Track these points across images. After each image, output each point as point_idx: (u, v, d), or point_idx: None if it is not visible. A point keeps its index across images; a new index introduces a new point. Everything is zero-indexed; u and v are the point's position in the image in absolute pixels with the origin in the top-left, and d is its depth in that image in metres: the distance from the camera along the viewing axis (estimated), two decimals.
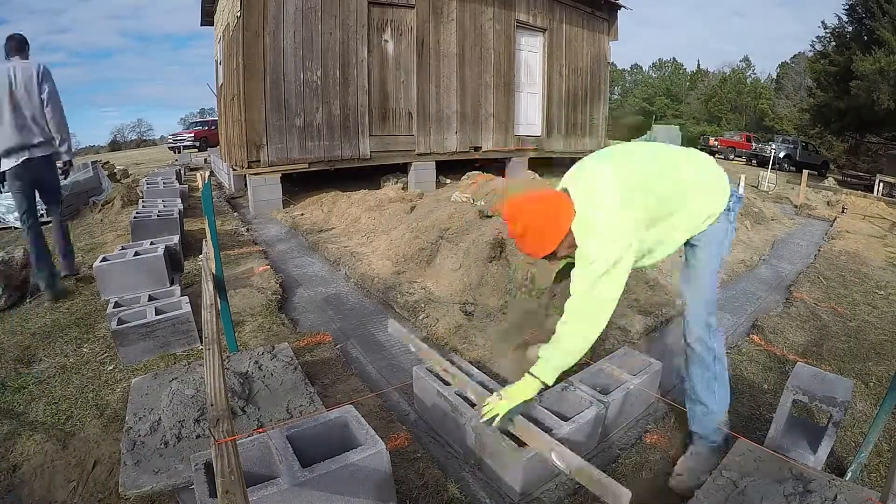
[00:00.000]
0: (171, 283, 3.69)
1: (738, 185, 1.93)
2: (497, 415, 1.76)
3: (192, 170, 13.04)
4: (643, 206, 1.70)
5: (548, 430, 1.87)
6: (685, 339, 1.96)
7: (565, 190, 1.80)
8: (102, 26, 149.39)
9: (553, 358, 1.76)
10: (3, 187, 6.33)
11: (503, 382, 2.48)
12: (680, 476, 1.91)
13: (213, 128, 20.26)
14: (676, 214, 1.79)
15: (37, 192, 3.86)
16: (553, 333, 1.79)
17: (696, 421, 1.99)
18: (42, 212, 6.60)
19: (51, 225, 3.86)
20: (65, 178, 6.10)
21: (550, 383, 1.79)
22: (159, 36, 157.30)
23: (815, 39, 21.41)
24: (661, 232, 1.80)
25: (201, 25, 13.01)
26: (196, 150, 19.54)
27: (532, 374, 1.77)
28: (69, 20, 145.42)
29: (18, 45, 3.60)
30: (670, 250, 1.88)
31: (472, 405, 2.03)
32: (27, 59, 3.63)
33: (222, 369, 1.17)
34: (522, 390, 1.78)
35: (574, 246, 1.75)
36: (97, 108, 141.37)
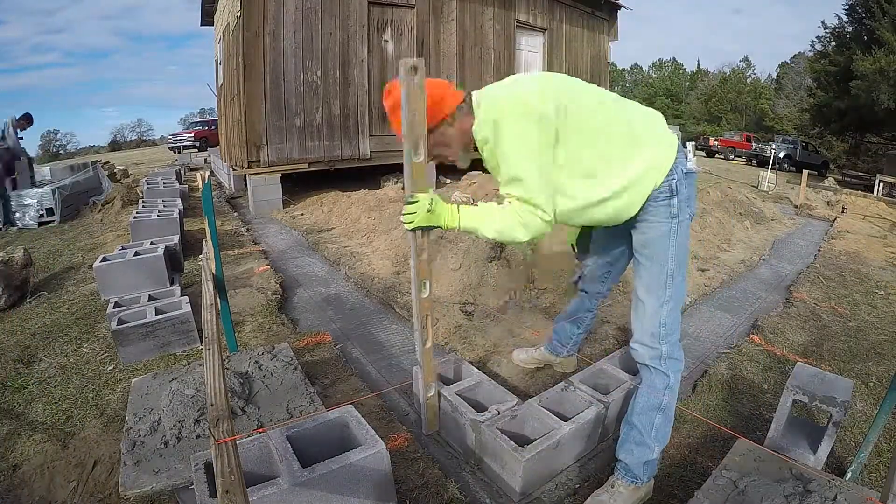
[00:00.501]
0: (171, 283, 3.69)
1: (687, 153, 1.65)
2: (415, 221, 1.64)
3: (192, 170, 13.05)
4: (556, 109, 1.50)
5: (548, 430, 1.87)
6: (634, 356, 1.77)
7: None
8: (96, 26, 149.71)
9: (489, 213, 1.63)
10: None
11: (503, 382, 2.49)
12: None
13: (213, 128, 20.26)
14: (590, 147, 1.55)
15: None
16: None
17: (624, 448, 1.75)
18: (42, 212, 6.64)
19: (52, 224, 3.92)
20: None
21: (459, 228, 1.66)
22: (154, 36, 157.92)
23: (815, 39, 21.45)
24: (567, 160, 1.56)
25: (201, 25, 13.02)
26: (196, 150, 19.54)
27: (460, 212, 1.66)
28: (62, 20, 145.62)
29: None
30: (571, 205, 1.62)
31: (474, 407, 2.03)
32: None
33: (222, 369, 1.17)
34: (448, 215, 1.66)
35: (448, 146, 1.69)
36: (97, 109, 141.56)
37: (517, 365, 2.68)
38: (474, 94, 1.67)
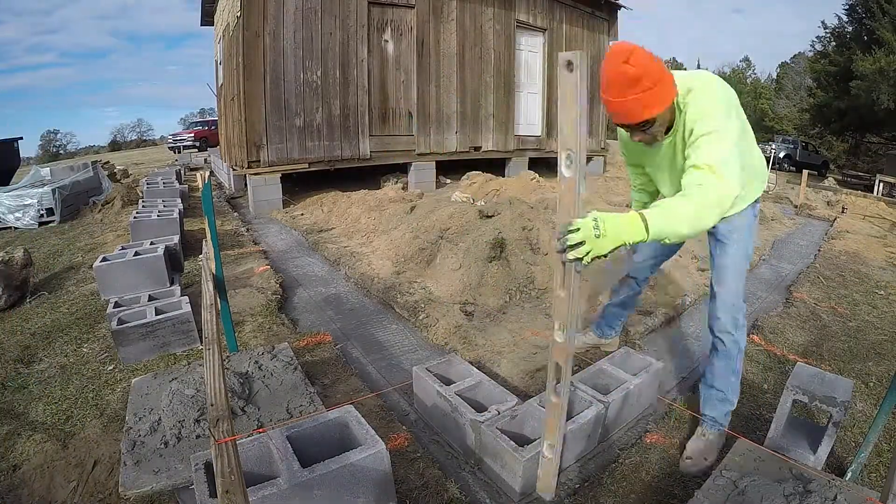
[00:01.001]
0: (171, 283, 3.69)
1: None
2: (589, 252, 1.28)
3: (192, 170, 13.05)
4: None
5: None
6: (711, 330, 2.02)
7: None
8: (92, 26, 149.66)
9: (674, 208, 1.41)
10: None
11: (503, 382, 2.49)
12: (690, 460, 1.98)
13: (213, 128, 20.25)
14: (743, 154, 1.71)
15: None
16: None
17: (709, 405, 2.08)
18: (42, 212, 6.64)
19: (52, 224, 3.91)
20: None
21: (648, 238, 1.34)
22: (150, 36, 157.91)
23: (815, 39, 21.44)
24: None
25: (201, 25, 13.01)
26: (196, 150, 19.53)
27: (641, 216, 1.34)
28: (57, 21, 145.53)
29: None
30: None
31: (474, 407, 2.03)
32: None
33: (222, 369, 1.17)
34: (624, 231, 1.31)
35: (662, 127, 1.67)
36: (97, 109, 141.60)
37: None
38: (681, 88, 1.63)
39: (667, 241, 1.42)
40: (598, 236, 1.27)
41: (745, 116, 1.77)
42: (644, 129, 1.64)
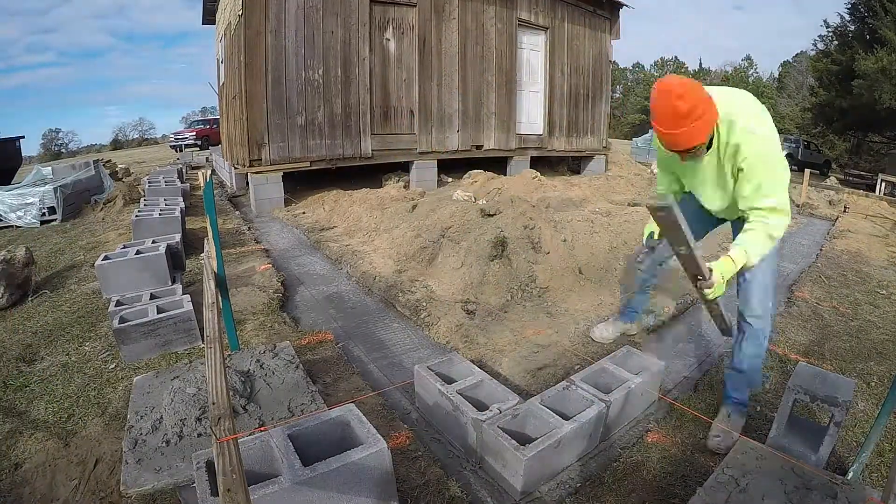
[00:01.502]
0: (173, 282, 3.70)
1: None
2: (720, 294, 1.88)
3: (193, 168, 13.07)
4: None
5: (549, 429, 1.87)
6: (743, 315, 2.13)
7: None
8: (89, 26, 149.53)
9: (755, 243, 1.87)
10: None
11: (504, 381, 2.49)
12: (717, 437, 2.08)
13: (214, 126, 20.27)
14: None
15: None
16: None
17: (735, 388, 2.20)
18: (44, 211, 6.66)
19: (54, 223, 3.91)
20: None
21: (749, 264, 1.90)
22: (147, 35, 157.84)
23: (817, 38, 21.37)
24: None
25: (203, 24, 13.01)
26: (198, 148, 19.54)
27: (731, 259, 1.86)
28: (54, 20, 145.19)
29: None
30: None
31: (475, 406, 2.03)
32: None
33: (224, 368, 1.17)
34: (729, 271, 1.86)
35: (704, 145, 1.80)
36: (98, 107, 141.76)
37: (598, 341, 2.99)
38: (721, 109, 1.78)
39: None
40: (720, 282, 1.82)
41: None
42: (691, 152, 1.81)
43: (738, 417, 2.20)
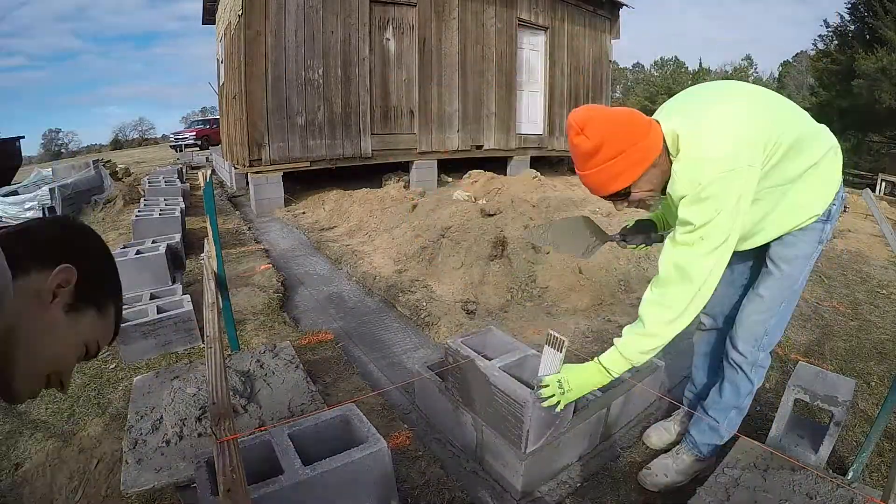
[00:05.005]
0: (173, 282, 3.70)
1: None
2: (559, 402, 1.58)
3: (193, 168, 13.07)
4: (767, 162, 1.37)
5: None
6: (727, 352, 1.75)
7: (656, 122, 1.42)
8: (54, 29, 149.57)
9: (629, 345, 1.49)
10: None
11: None
12: (648, 471, 1.88)
13: (214, 126, 20.28)
14: (789, 192, 1.45)
15: None
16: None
17: (698, 427, 1.87)
18: (51, 206, 6.66)
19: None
20: None
21: (619, 374, 1.55)
22: (116, 37, 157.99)
23: (817, 38, 21.36)
24: (767, 207, 1.47)
25: (203, 24, 13.02)
26: (198, 148, 19.56)
27: (601, 364, 1.54)
28: (15, 24, 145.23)
29: None
30: (762, 240, 1.56)
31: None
32: None
33: (224, 368, 1.17)
34: (588, 382, 1.56)
35: (653, 191, 1.41)
36: (98, 107, 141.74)
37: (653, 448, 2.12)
38: (676, 129, 1.37)
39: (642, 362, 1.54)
40: (563, 392, 1.56)
41: (781, 135, 1.36)
42: (622, 199, 1.43)
43: (687, 460, 1.86)
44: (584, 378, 1.57)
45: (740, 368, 1.72)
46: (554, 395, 1.56)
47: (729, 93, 1.47)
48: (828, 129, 1.52)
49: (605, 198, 1.43)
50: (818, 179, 1.46)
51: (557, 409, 1.60)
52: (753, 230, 1.53)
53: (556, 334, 1.59)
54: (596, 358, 1.57)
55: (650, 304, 1.48)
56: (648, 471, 1.88)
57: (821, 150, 1.44)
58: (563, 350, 1.58)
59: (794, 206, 1.47)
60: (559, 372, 1.60)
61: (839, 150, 1.51)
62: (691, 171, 1.33)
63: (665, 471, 1.86)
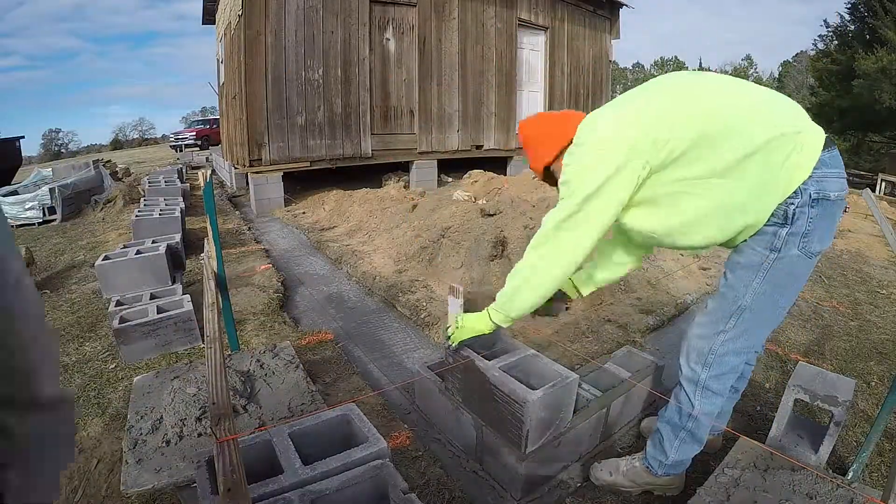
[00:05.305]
0: (173, 282, 3.70)
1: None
2: (452, 336, 1.89)
3: (193, 168, 13.07)
4: (658, 129, 1.30)
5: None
6: (679, 364, 1.64)
7: None
8: (52, 28, 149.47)
9: (504, 295, 1.66)
10: None
11: None
12: (598, 464, 1.86)
13: (214, 126, 20.29)
14: (724, 188, 1.29)
15: None
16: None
17: (652, 438, 1.75)
18: (49, 207, 6.66)
19: (54, 223, 3.90)
20: None
21: (500, 324, 1.73)
22: (115, 36, 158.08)
23: (817, 38, 21.37)
24: (698, 202, 1.33)
25: (203, 24, 13.03)
26: (198, 148, 19.56)
27: (487, 311, 1.77)
28: (11, 25, 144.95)
29: None
30: (703, 241, 1.40)
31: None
32: None
33: (224, 368, 1.17)
34: (475, 325, 1.81)
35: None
36: (98, 107, 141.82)
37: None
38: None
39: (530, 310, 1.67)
40: (457, 328, 1.86)
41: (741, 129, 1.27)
42: (553, 182, 1.64)
43: (637, 466, 1.77)
44: (472, 321, 1.82)
45: (681, 385, 1.62)
46: (453, 334, 1.88)
47: (656, 86, 1.44)
48: (794, 115, 1.32)
49: (543, 180, 1.70)
50: (766, 174, 1.26)
51: (451, 343, 1.91)
52: (689, 229, 1.38)
53: (456, 286, 1.98)
54: (486, 308, 1.78)
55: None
56: (598, 464, 1.87)
57: (761, 138, 1.25)
58: (461, 297, 1.94)
59: (731, 205, 1.31)
60: (460, 315, 1.89)
61: (807, 140, 1.27)
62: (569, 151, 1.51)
63: (612, 469, 1.82)
